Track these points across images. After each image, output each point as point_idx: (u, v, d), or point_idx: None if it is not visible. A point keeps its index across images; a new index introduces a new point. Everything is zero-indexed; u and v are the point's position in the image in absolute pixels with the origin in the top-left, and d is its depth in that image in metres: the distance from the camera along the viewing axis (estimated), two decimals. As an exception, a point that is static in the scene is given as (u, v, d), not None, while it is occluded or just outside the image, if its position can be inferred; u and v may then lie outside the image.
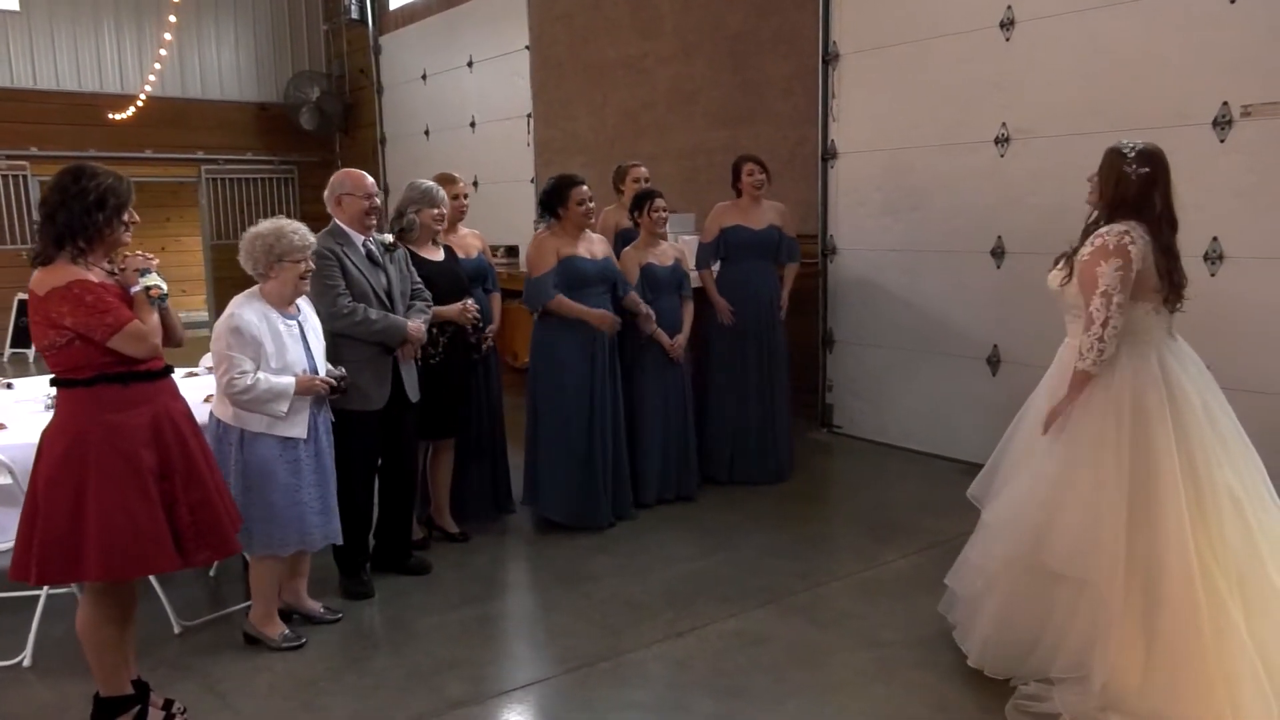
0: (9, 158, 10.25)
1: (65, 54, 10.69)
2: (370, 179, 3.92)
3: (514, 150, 9.18)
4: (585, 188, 4.66)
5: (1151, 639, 2.88)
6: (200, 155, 11.56)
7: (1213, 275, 4.58)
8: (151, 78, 10.29)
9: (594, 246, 4.78)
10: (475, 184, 9.69)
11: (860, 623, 3.69)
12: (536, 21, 8.76)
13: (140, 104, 10.42)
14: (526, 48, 8.89)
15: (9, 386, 4.59)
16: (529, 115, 8.97)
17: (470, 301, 4.38)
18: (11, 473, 3.34)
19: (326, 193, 3.91)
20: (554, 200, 4.67)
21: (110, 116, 10.51)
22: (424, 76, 10.45)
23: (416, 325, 3.98)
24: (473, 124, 9.80)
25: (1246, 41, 4.40)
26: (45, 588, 3.50)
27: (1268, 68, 4.35)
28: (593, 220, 4.75)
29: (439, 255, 4.43)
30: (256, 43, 11.92)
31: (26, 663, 3.45)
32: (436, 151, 10.22)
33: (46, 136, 10.40)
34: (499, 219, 8.48)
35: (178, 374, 4.62)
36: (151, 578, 3.71)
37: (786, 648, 3.49)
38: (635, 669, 3.36)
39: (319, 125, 11.77)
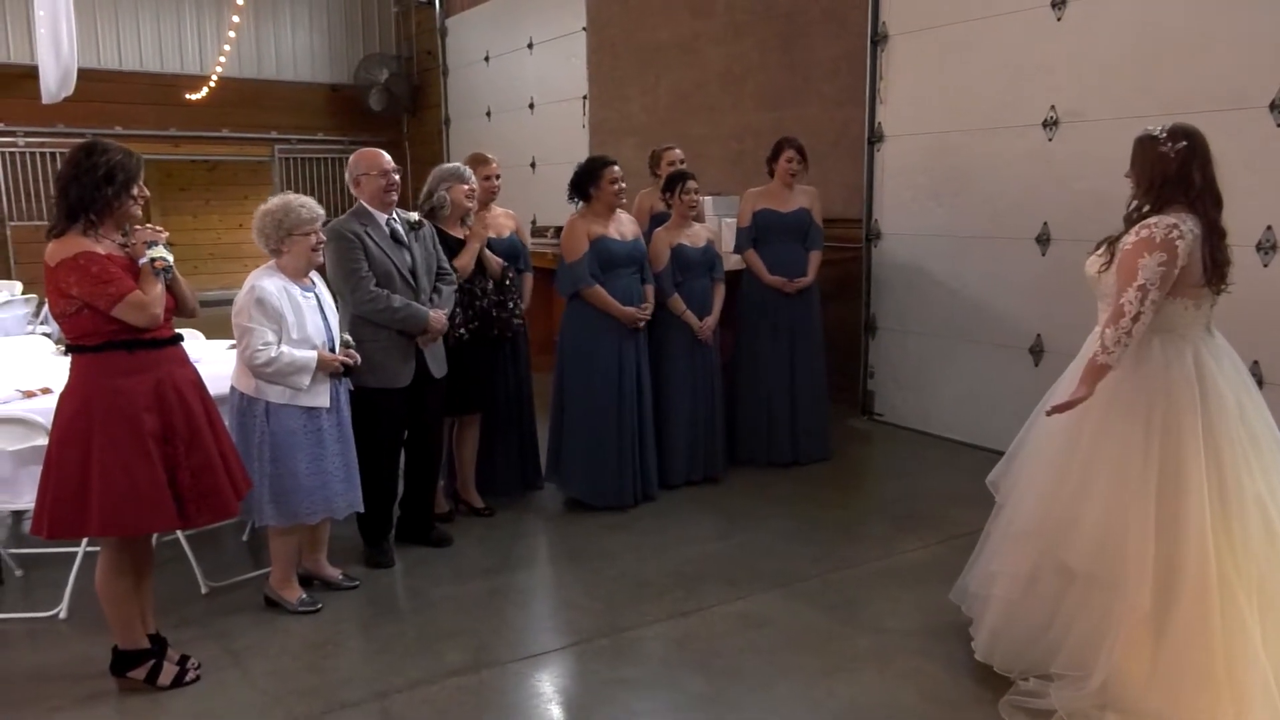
0: (96, 136, 10.68)
1: (148, 35, 11.10)
2: (386, 156, 3.97)
3: (570, 131, 9.21)
4: (617, 168, 4.67)
5: (1160, 641, 2.79)
6: (274, 135, 11.91)
7: (1265, 266, 4.37)
8: (221, 59, 10.62)
9: (624, 227, 4.78)
10: (533, 165, 9.79)
11: (866, 610, 3.66)
12: (593, 3, 8.78)
13: (213, 85, 10.77)
14: (583, 29, 8.92)
15: (66, 352, 4.82)
16: (585, 97, 9.01)
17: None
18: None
19: (346, 175, 4.00)
20: (586, 181, 4.69)
21: (186, 97, 10.90)
22: (486, 58, 10.56)
23: (438, 315, 4.02)
24: (531, 105, 9.87)
25: (1307, 20, 4.18)
26: (83, 543, 3.71)
27: (1329, 47, 4.12)
28: (624, 200, 4.75)
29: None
30: (329, 24, 12.20)
31: (63, 615, 3.65)
32: (497, 133, 10.33)
33: (131, 116, 10.80)
34: (555, 200, 8.51)
35: (223, 345, 4.89)
36: (182, 540, 3.90)
37: (787, 632, 3.48)
38: (633, 646, 3.39)
39: (387, 106, 11.99)
